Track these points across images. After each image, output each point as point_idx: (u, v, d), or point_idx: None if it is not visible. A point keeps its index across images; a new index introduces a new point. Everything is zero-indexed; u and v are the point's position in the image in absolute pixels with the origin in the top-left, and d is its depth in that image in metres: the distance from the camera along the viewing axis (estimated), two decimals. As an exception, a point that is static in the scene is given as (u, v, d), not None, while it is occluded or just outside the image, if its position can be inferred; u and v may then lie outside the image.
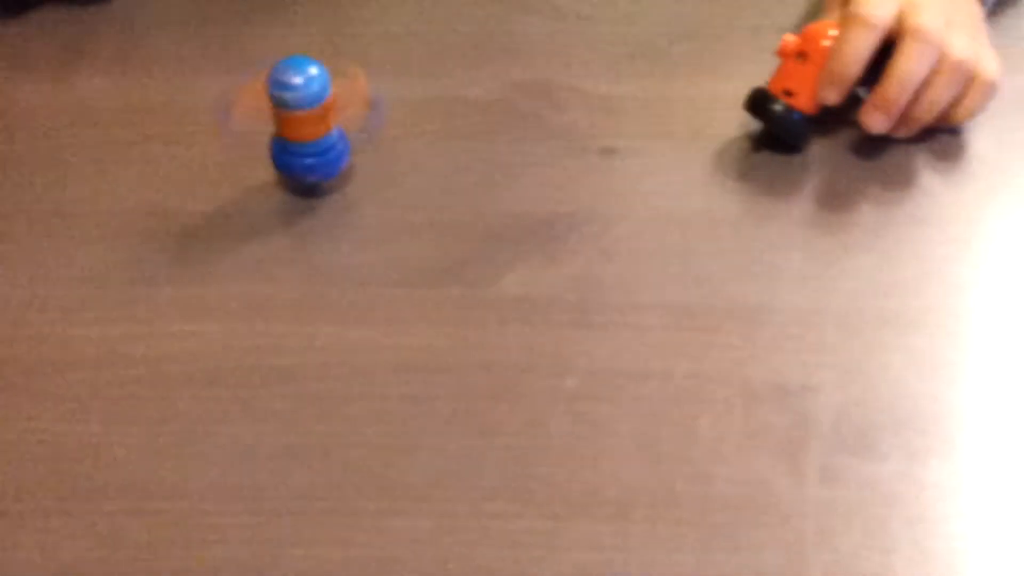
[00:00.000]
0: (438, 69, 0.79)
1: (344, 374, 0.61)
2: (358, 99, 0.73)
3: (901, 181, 0.71)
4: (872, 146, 0.72)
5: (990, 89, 0.72)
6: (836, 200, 0.70)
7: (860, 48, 0.70)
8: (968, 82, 0.71)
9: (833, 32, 0.71)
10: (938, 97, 0.71)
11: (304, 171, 0.68)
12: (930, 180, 0.71)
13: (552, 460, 0.57)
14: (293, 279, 0.66)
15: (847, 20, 0.70)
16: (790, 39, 0.71)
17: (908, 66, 0.69)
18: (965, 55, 0.70)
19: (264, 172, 0.70)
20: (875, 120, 0.71)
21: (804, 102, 0.71)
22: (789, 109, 0.71)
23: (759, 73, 0.73)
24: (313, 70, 0.65)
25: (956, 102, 0.72)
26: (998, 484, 0.55)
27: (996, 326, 0.63)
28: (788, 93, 0.71)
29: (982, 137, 0.74)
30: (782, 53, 0.72)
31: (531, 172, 0.72)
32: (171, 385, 0.60)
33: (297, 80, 0.64)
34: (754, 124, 0.73)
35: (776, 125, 0.72)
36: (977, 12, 0.77)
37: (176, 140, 0.74)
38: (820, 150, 0.73)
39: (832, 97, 0.71)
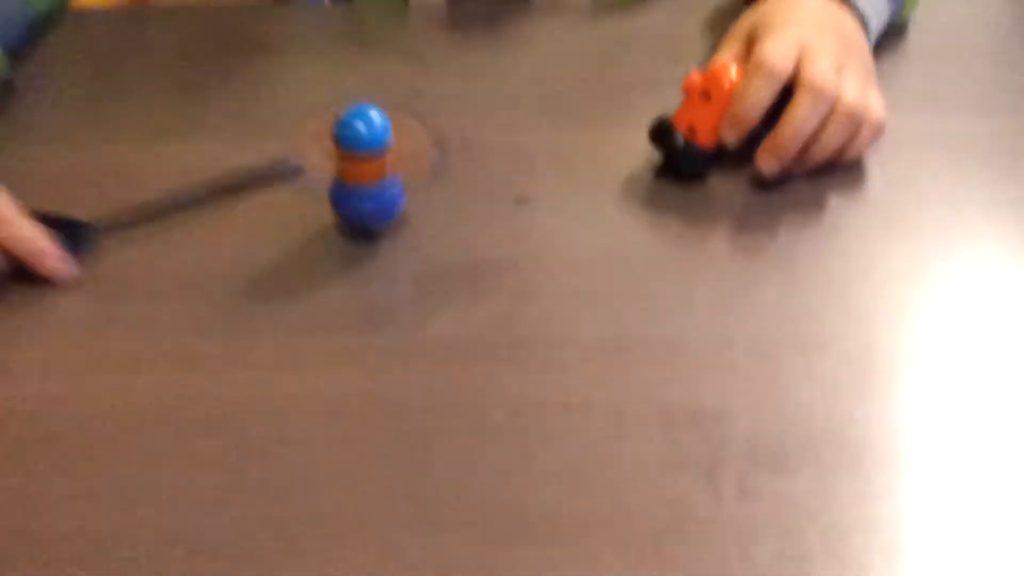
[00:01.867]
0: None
1: (277, 419, 0.62)
2: (417, 147, 0.78)
3: (801, 216, 0.75)
4: (772, 183, 0.77)
5: (878, 130, 0.77)
6: (740, 235, 0.74)
7: (762, 95, 0.75)
8: (858, 124, 0.76)
9: (734, 72, 0.75)
10: (829, 142, 0.75)
11: (361, 214, 0.72)
12: (827, 214, 0.76)
13: (483, 491, 0.59)
14: (218, 332, 0.68)
15: (751, 68, 0.75)
16: (696, 78, 0.76)
17: (802, 117, 0.74)
18: (855, 102, 0.75)
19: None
20: (769, 164, 0.75)
21: (705, 137, 0.76)
22: (689, 143, 0.75)
23: (660, 124, 0.77)
24: (376, 117, 0.69)
25: (846, 143, 0.76)
26: (904, 492, 0.59)
27: (895, 349, 0.66)
28: (691, 129, 0.75)
29: (874, 174, 0.78)
30: (687, 90, 0.76)
31: (450, 221, 0.75)
32: (104, 436, 0.61)
33: (361, 125, 0.68)
34: (658, 155, 0.78)
35: (676, 157, 0.77)
36: (867, 55, 0.82)
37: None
38: (722, 187, 0.77)
39: (732, 138, 0.75)
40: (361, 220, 0.73)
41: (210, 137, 0.82)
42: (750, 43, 0.80)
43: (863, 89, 0.77)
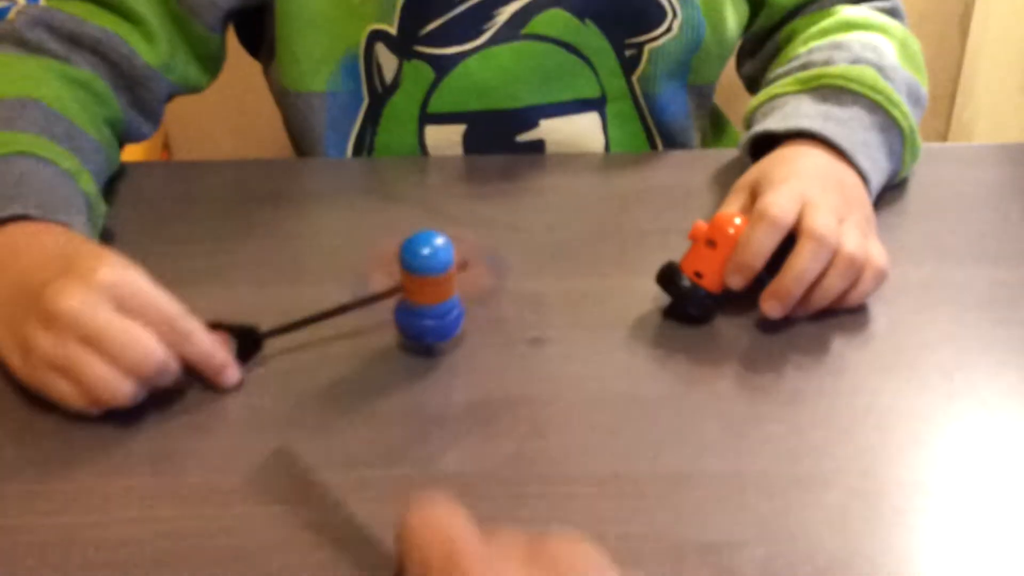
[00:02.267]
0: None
1: (298, 550, 0.64)
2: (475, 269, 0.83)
3: (806, 357, 0.77)
4: (778, 325, 0.79)
5: (879, 278, 0.80)
6: (746, 374, 0.76)
7: (765, 244, 0.78)
8: (859, 272, 0.79)
9: (738, 221, 0.78)
10: (831, 288, 0.78)
11: (424, 333, 0.76)
12: (831, 356, 0.78)
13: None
14: (239, 467, 0.69)
15: (755, 217, 0.78)
16: (701, 226, 0.79)
17: (804, 264, 0.77)
18: (856, 251, 0.78)
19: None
20: (773, 307, 0.78)
21: (711, 282, 0.78)
22: (696, 287, 0.78)
23: (668, 270, 0.80)
24: (440, 241, 0.73)
25: (848, 289, 0.79)
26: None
27: (902, 482, 0.68)
28: (698, 274, 0.78)
29: (876, 318, 0.81)
30: (693, 237, 0.79)
31: (465, 362, 0.77)
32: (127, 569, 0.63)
33: (426, 251, 0.73)
34: (665, 299, 0.81)
35: (683, 299, 0.79)
36: (868, 207, 0.86)
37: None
38: (728, 329, 0.80)
39: (737, 283, 0.78)
40: (423, 339, 0.77)
41: (237, 281, 0.86)
42: (754, 196, 0.84)
43: (863, 239, 0.80)
